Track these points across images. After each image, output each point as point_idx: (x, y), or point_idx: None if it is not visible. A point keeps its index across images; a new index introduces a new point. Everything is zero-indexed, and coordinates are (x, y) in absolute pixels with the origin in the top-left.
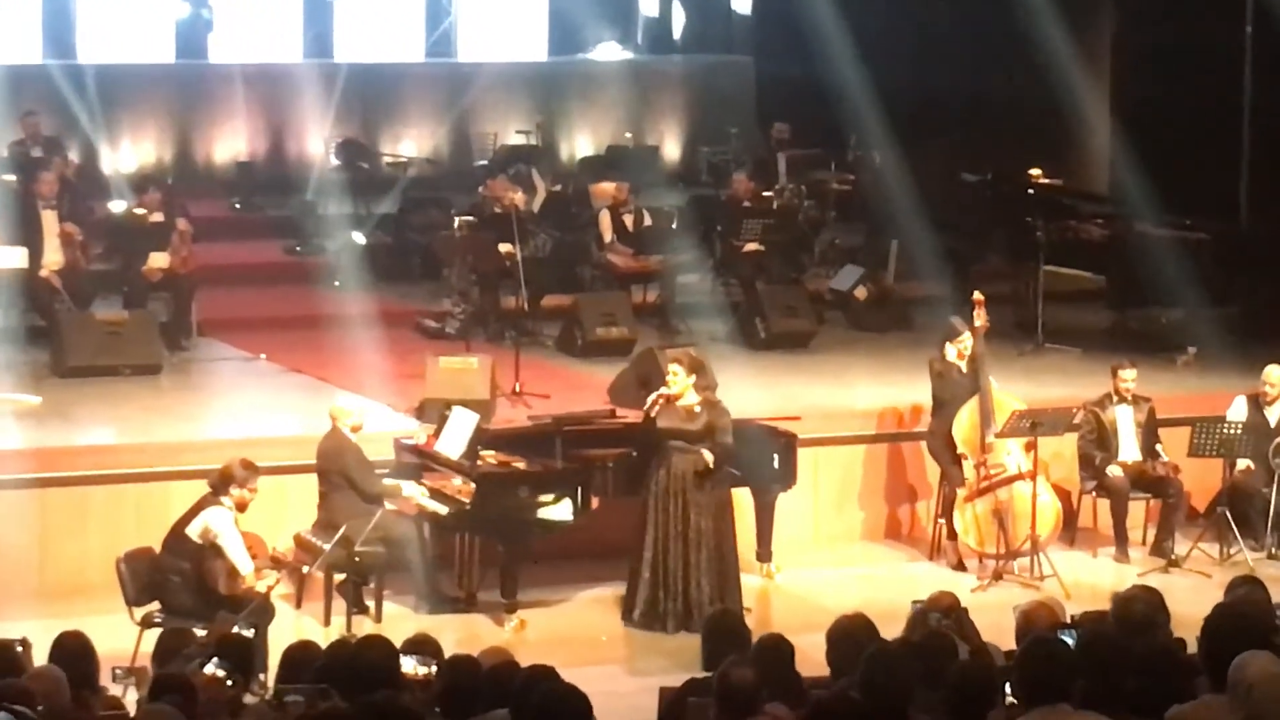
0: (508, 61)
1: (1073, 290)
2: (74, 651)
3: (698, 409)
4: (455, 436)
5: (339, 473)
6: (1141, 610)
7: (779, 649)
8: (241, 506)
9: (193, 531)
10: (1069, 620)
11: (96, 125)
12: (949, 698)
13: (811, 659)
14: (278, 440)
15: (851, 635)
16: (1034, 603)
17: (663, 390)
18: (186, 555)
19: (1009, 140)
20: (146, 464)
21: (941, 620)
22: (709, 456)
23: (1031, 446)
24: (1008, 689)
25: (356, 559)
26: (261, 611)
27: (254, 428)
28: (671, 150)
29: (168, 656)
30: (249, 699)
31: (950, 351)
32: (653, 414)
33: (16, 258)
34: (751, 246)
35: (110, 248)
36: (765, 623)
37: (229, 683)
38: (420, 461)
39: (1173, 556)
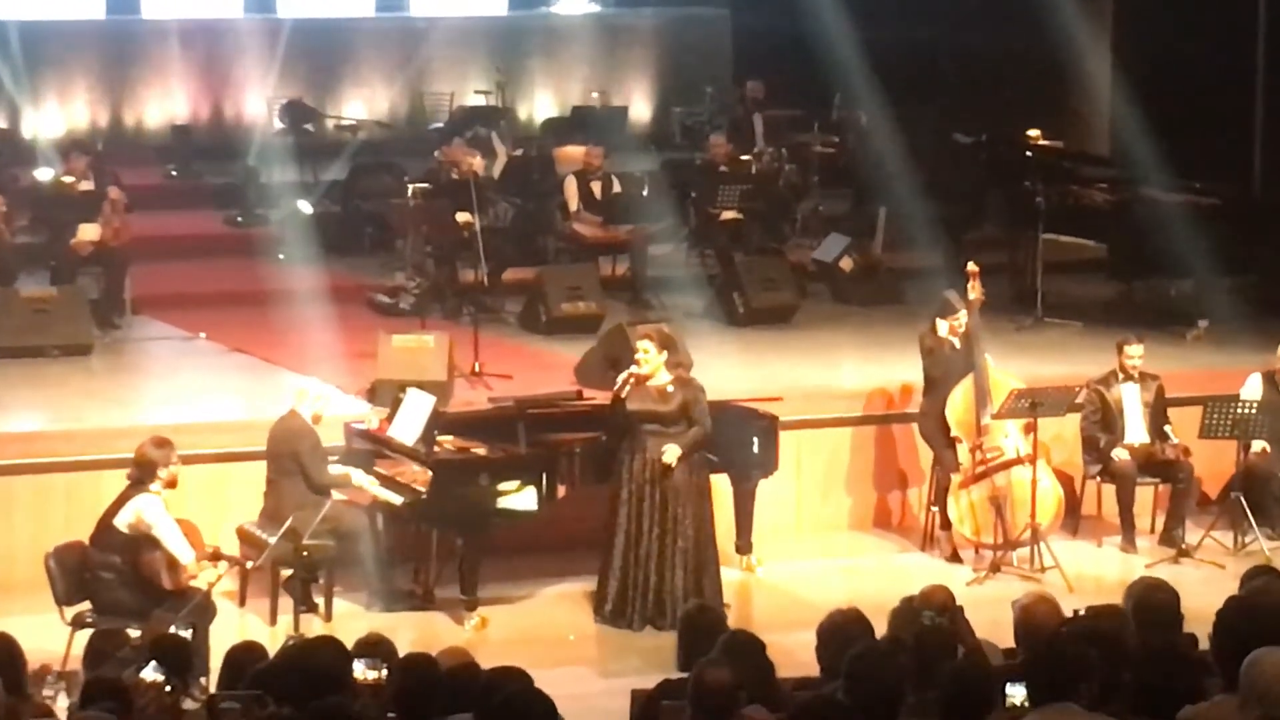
0: (464, 16)
1: (1074, 260)
2: (1, 653)
3: (670, 389)
4: (410, 421)
5: (291, 456)
6: (1163, 600)
7: (755, 646)
8: (172, 484)
9: (121, 523)
10: (1072, 614)
11: (20, 86)
12: (941, 701)
13: (795, 658)
14: (219, 425)
15: (844, 632)
16: (1034, 596)
17: (632, 369)
18: (117, 549)
19: (1006, 99)
20: (76, 452)
21: (935, 617)
22: (672, 452)
23: (1031, 428)
24: (1008, 690)
25: (304, 553)
26: (201, 610)
27: (193, 412)
28: (642, 111)
29: (100, 659)
30: (189, 705)
31: (943, 327)
32: (622, 395)
33: None
34: (729, 215)
35: (36, 219)
36: (746, 619)
37: (167, 687)
38: (373, 448)
39: (1183, 546)
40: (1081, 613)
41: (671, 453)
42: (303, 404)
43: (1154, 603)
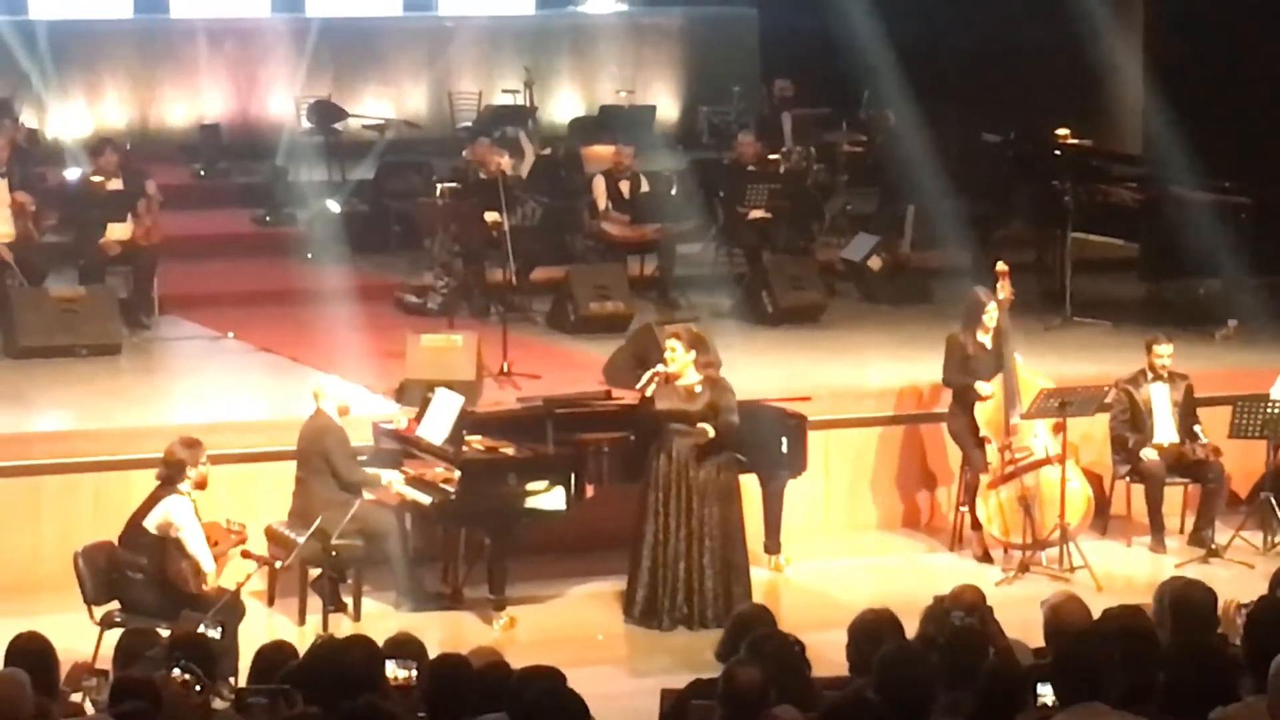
0: (492, 15)
1: (1103, 259)
2: (33, 653)
3: (698, 389)
4: (438, 420)
5: (320, 455)
6: (1200, 599)
7: (788, 646)
8: (201, 485)
9: (150, 524)
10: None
11: (49, 86)
12: (975, 700)
13: (824, 657)
14: (247, 425)
15: (875, 632)
16: (1064, 596)
17: (660, 367)
18: (145, 550)
19: (1034, 97)
20: (105, 451)
21: (965, 617)
22: (709, 429)
23: (1060, 428)
24: (1038, 689)
25: (333, 553)
26: (231, 610)
27: (221, 411)
28: (669, 110)
29: (130, 658)
30: (218, 703)
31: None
32: (649, 394)
33: None
34: (757, 214)
35: (65, 218)
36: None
37: (196, 686)
38: (401, 448)
39: (1213, 546)
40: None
41: (709, 429)
42: (324, 401)
43: (1191, 601)
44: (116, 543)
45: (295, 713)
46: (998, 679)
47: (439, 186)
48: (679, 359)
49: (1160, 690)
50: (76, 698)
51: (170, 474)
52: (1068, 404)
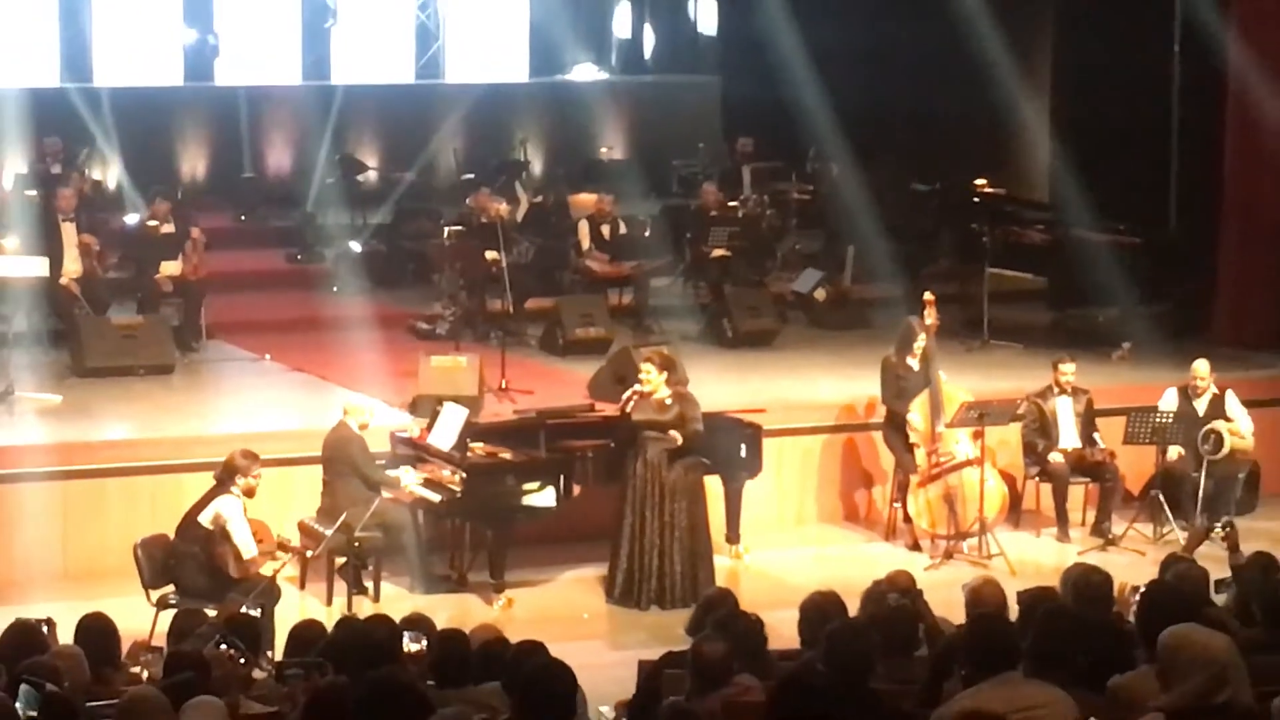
0: (492, 82)
1: (1016, 291)
2: (98, 631)
3: (669, 402)
4: (446, 430)
5: (345, 461)
6: (1099, 582)
7: (748, 623)
8: (249, 493)
9: (205, 519)
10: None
11: (111, 143)
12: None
13: (778, 633)
14: (282, 434)
15: (823, 610)
16: (982, 579)
17: (637, 386)
18: (198, 540)
19: (956, 152)
20: (160, 457)
21: (899, 598)
22: (677, 436)
23: (979, 435)
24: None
25: (356, 544)
26: (268, 593)
27: (259, 423)
28: (644, 163)
29: (182, 635)
30: (258, 674)
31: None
32: (628, 409)
33: (39, 267)
34: (719, 252)
35: (125, 257)
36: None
37: (240, 660)
38: (414, 453)
39: (1110, 536)
40: (1024, 593)
41: (676, 436)
42: (351, 415)
43: (1091, 584)
44: (172, 535)
45: (326, 681)
46: (987, 632)
47: (446, 229)
48: (654, 378)
49: (1069, 662)
50: (135, 669)
51: (225, 476)
52: (985, 415)
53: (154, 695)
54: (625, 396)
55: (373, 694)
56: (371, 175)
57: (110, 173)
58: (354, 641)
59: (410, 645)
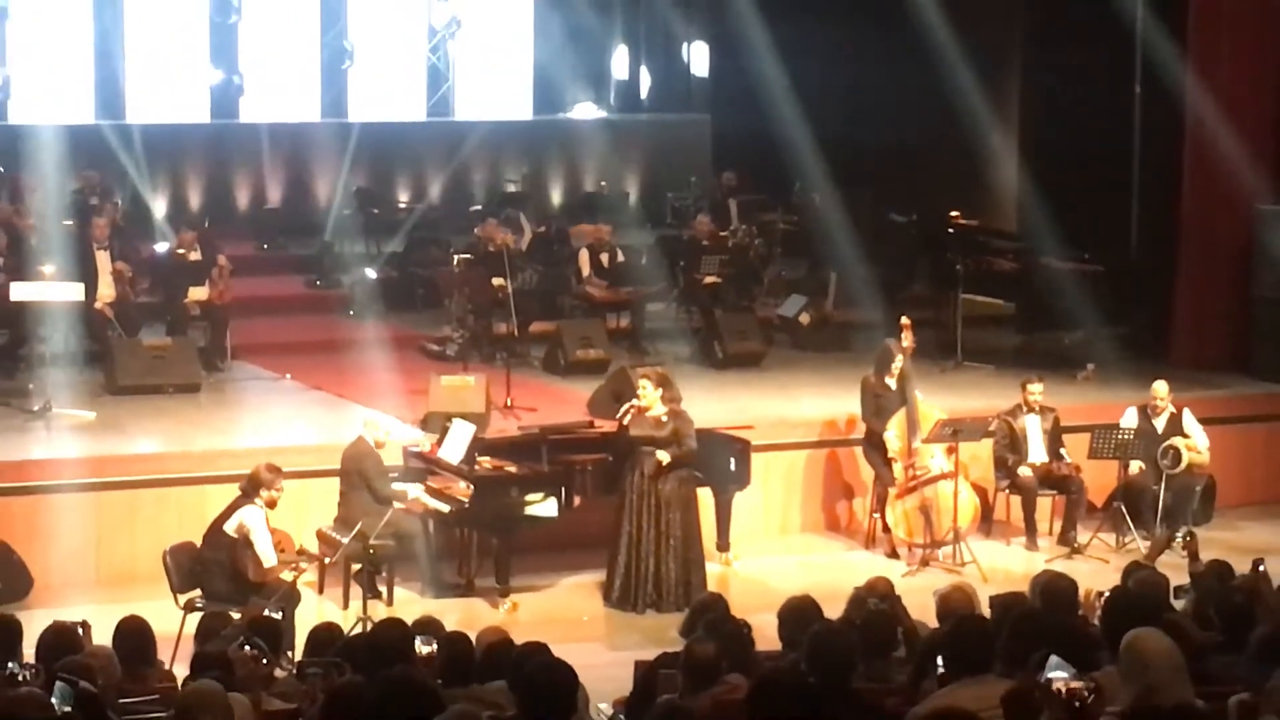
0: (498, 120)
1: (987, 315)
2: (135, 632)
3: (665, 418)
4: (455, 445)
5: (359, 474)
6: (1065, 587)
7: (737, 626)
8: (272, 504)
9: (229, 527)
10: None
11: (142, 177)
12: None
13: (764, 635)
14: (301, 448)
15: (800, 614)
16: (951, 586)
17: (634, 402)
18: (223, 548)
19: (932, 185)
20: (188, 470)
21: (878, 603)
22: (663, 456)
23: (953, 450)
24: (939, 661)
25: (371, 551)
26: (289, 597)
27: (281, 438)
28: (640, 195)
29: (208, 636)
30: (279, 673)
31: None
32: (625, 423)
33: (75, 292)
34: (710, 279)
35: (155, 283)
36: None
37: (262, 660)
38: (425, 466)
39: (1075, 545)
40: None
41: (663, 456)
42: (369, 431)
43: (1058, 589)
44: (199, 543)
45: (344, 680)
46: (967, 633)
47: (455, 257)
48: (650, 395)
49: (1037, 662)
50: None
51: (250, 488)
52: (959, 431)
53: (213, 688)
54: (624, 409)
55: (387, 692)
56: (386, 207)
57: (141, 203)
58: (368, 642)
59: (422, 647)
